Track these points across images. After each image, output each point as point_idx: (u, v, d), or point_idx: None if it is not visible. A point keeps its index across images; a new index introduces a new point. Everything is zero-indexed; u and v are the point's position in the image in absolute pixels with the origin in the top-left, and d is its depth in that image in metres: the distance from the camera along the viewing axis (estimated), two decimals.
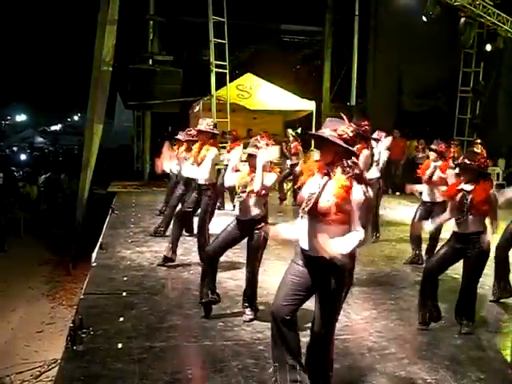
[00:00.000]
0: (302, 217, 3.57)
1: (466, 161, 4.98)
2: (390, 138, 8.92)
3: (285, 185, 12.64)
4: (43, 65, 36.26)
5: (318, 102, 16.63)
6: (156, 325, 5.09)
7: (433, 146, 7.39)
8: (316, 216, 3.45)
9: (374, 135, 8.47)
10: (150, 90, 14.10)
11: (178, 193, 8.49)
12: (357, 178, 3.39)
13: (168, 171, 9.25)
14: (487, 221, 4.98)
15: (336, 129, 3.43)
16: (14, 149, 34.10)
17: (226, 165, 8.83)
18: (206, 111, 14.49)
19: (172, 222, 7.65)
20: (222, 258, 7.15)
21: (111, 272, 6.73)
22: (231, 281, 6.45)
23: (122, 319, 5.16)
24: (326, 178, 3.48)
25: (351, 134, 3.42)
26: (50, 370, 7.24)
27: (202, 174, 6.95)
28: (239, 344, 4.71)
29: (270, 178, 5.15)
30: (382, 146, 8.55)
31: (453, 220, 5.11)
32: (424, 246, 7.47)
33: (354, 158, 3.46)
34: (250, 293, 5.29)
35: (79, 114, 43.13)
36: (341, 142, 3.39)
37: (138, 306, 5.58)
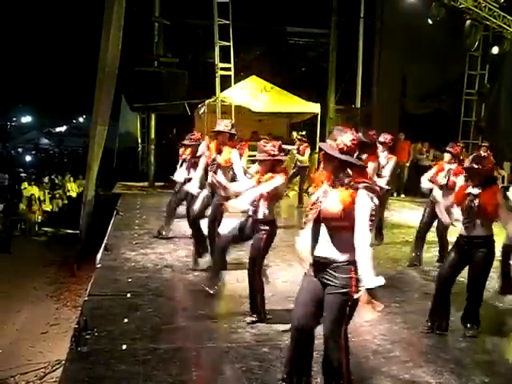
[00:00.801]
0: (307, 224, 3.60)
1: (474, 165, 4.99)
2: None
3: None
4: (49, 66, 36.33)
5: (323, 105, 16.62)
6: (160, 326, 5.10)
7: (448, 148, 7.32)
8: (321, 223, 3.51)
9: (381, 138, 8.46)
10: (156, 92, 14.12)
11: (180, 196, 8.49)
12: (358, 188, 3.40)
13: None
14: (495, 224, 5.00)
15: (336, 139, 3.48)
16: (19, 150, 34.21)
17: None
18: (210, 113, 14.52)
19: (191, 228, 7.58)
20: (227, 259, 7.18)
21: (116, 273, 6.73)
22: (236, 283, 6.44)
23: (126, 321, 5.16)
24: (331, 187, 3.52)
25: (349, 144, 3.45)
26: (54, 370, 7.27)
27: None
28: (243, 346, 4.71)
29: (277, 181, 5.14)
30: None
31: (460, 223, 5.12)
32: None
33: (349, 171, 3.46)
34: (252, 295, 5.27)
35: (84, 116, 43.13)
36: (336, 153, 3.44)
37: (142, 307, 5.58)
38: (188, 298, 6.17)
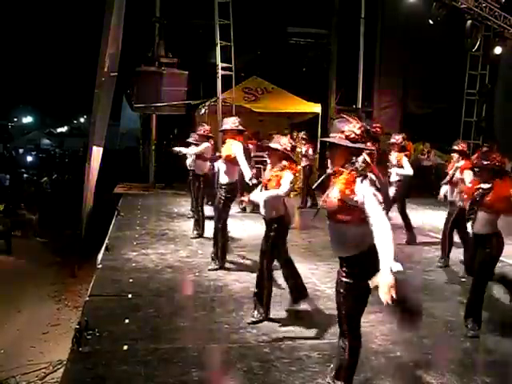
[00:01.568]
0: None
1: (483, 161, 5.03)
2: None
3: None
4: (50, 67, 36.39)
5: (324, 105, 16.62)
6: (161, 327, 5.09)
7: (454, 147, 7.29)
8: (332, 217, 3.43)
9: (392, 140, 8.46)
10: (156, 92, 14.11)
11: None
12: (364, 175, 3.31)
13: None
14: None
15: (343, 130, 3.41)
16: (21, 150, 34.23)
17: None
18: (211, 113, 14.52)
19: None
20: (228, 259, 7.19)
21: (116, 274, 6.73)
22: (237, 283, 6.44)
23: (127, 321, 5.15)
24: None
25: (358, 132, 3.39)
26: (55, 371, 7.26)
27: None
28: (244, 346, 4.71)
29: (287, 177, 5.13)
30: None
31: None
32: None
33: (365, 156, 3.38)
34: (258, 293, 5.25)
35: (85, 117, 43.19)
36: (347, 143, 3.37)
37: (143, 307, 5.58)
38: (189, 298, 6.17)
